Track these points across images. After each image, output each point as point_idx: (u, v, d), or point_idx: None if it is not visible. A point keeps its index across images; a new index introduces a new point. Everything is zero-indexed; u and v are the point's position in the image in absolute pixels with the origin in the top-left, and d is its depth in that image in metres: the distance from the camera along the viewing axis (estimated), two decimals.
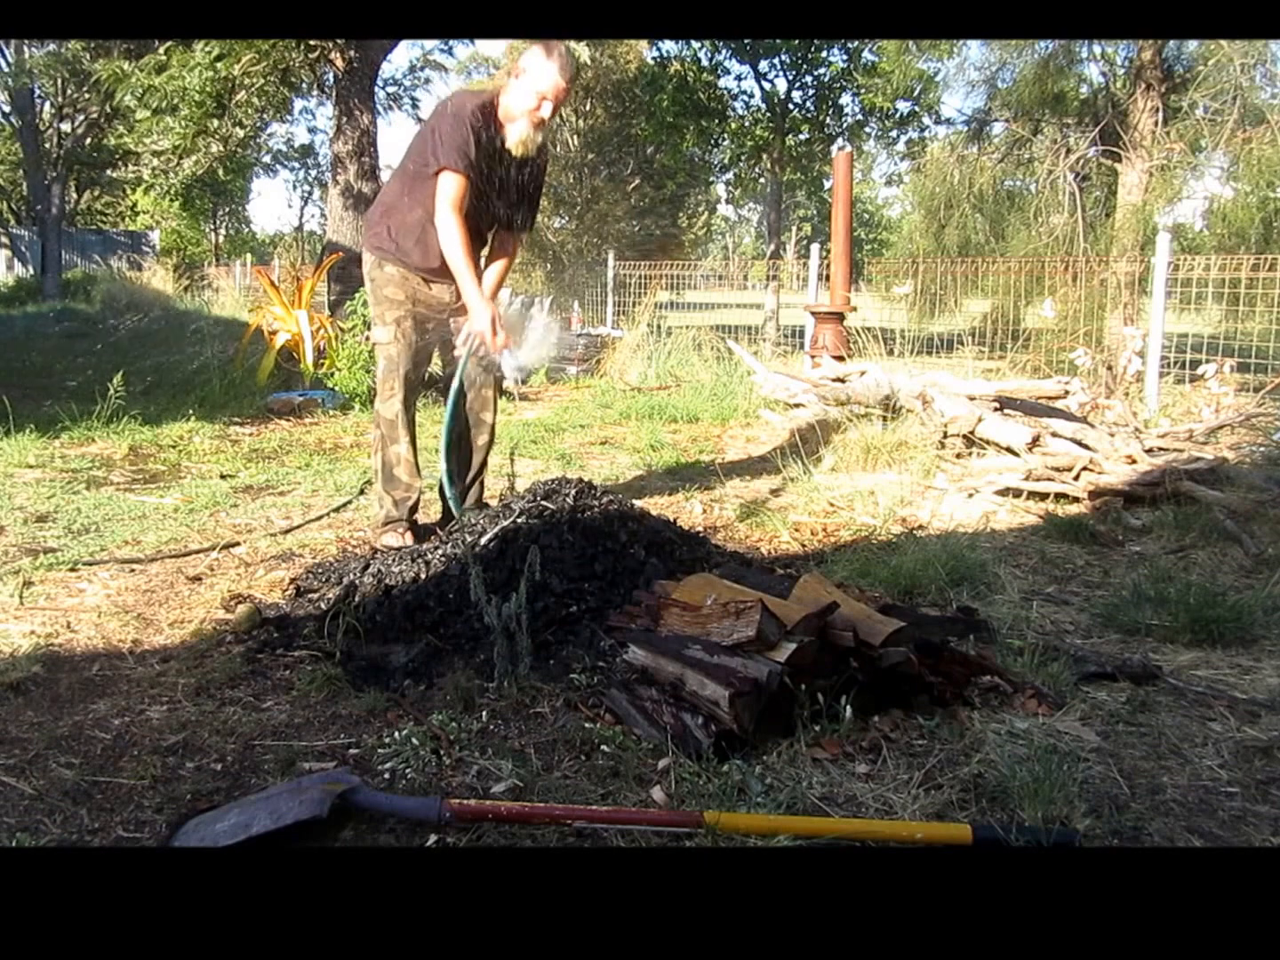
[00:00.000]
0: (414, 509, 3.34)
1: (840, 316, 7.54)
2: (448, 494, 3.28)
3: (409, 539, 3.21)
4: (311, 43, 9.60)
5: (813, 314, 8.09)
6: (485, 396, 3.42)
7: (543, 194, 3.35)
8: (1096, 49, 10.52)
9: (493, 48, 22.93)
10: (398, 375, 3.22)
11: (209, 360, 7.71)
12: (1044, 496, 4.08)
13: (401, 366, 3.22)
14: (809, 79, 17.04)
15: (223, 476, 4.51)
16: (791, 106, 17.08)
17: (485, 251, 3.36)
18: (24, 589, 2.85)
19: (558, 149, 18.29)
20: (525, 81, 2.97)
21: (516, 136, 3.02)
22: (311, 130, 32.90)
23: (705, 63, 16.88)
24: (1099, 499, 3.97)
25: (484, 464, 3.48)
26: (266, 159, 30.88)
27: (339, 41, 9.03)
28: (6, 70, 19.05)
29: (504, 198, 3.20)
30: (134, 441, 5.20)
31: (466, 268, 3.02)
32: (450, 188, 3.00)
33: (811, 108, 17.26)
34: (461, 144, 2.97)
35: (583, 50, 10.62)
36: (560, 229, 18.46)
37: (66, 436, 5.22)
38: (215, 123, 10.65)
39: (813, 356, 7.35)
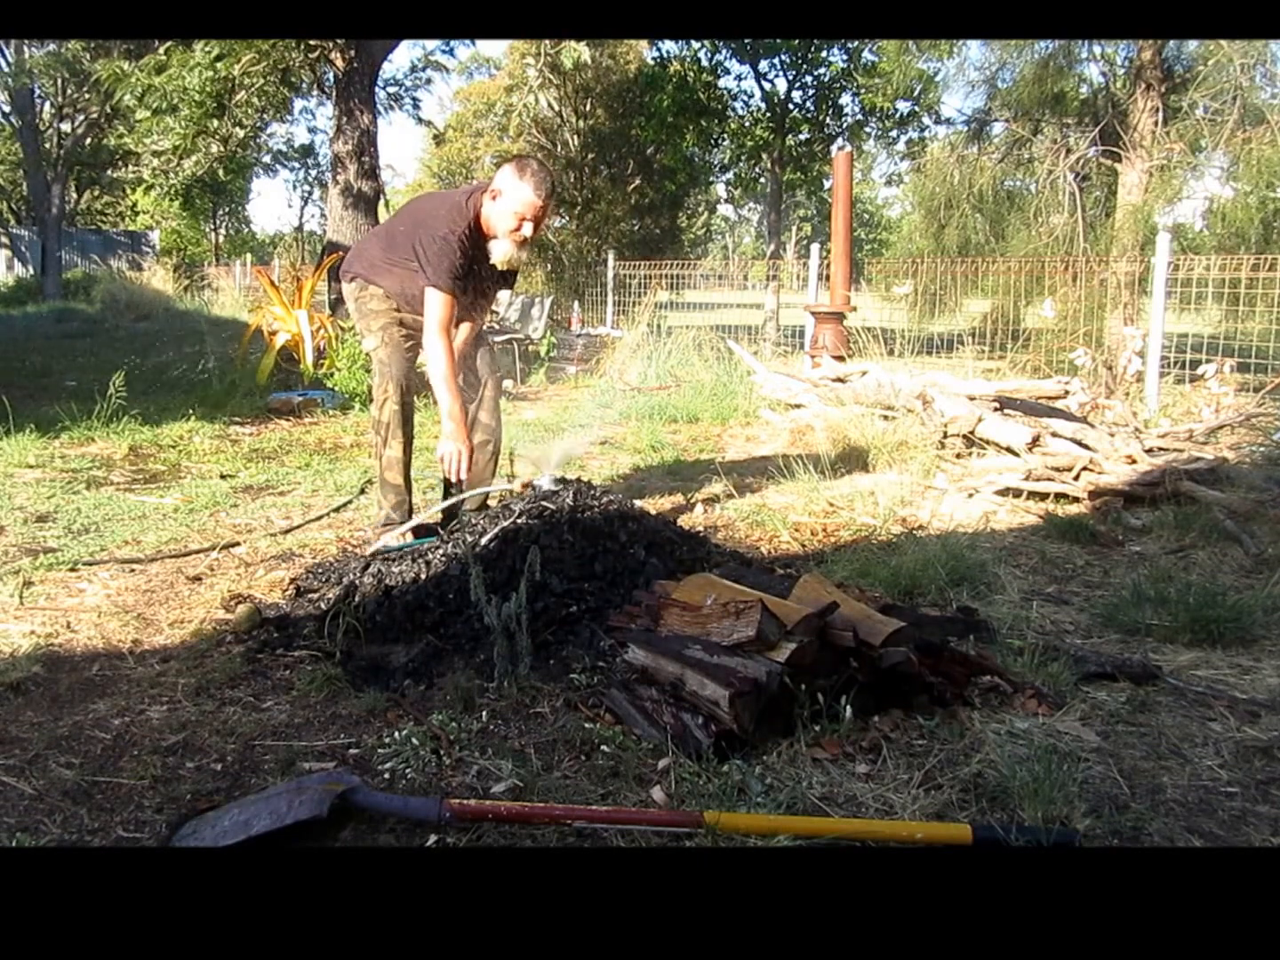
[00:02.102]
0: (411, 511, 3.35)
1: (840, 316, 7.55)
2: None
3: (409, 539, 3.21)
4: (311, 43, 9.61)
5: (813, 314, 8.09)
6: (487, 396, 3.42)
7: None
8: (1096, 49, 10.52)
9: (493, 48, 22.95)
10: (390, 378, 3.24)
11: (209, 360, 7.72)
12: (1044, 496, 4.08)
13: (393, 368, 3.24)
14: (809, 79, 17.03)
15: (223, 476, 4.51)
16: (791, 106, 17.08)
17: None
18: (24, 589, 2.85)
19: (558, 149, 18.29)
20: (503, 204, 3.03)
21: (501, 254, 3.10)
22: (311, 130, 32.92)
23: (705, 63, 16.87)
24: (1099, 499, 3.98)
25: (486, 467, 3.47)
26: (266, 159, 30.88)
27: (339, 41, 9.04)
28: (6, 70, 19.05)
29: (488, 289, 3.34)
30: (134, 441, 5.20)
31: (449, 392, 3.06)
32: (440, 310, 3.05)
33: (811, 108, 17.25)
34: (451, 266, 3.04)
35: (583, 50, 10.61)
36: (560, 229, 18.44)
37: (66, 436, 5.22)
38: (215, 123, 10.66)
39: (813, 356, 7.36)
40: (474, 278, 3.18)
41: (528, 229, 3.05)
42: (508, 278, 3.37)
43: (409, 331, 3.28)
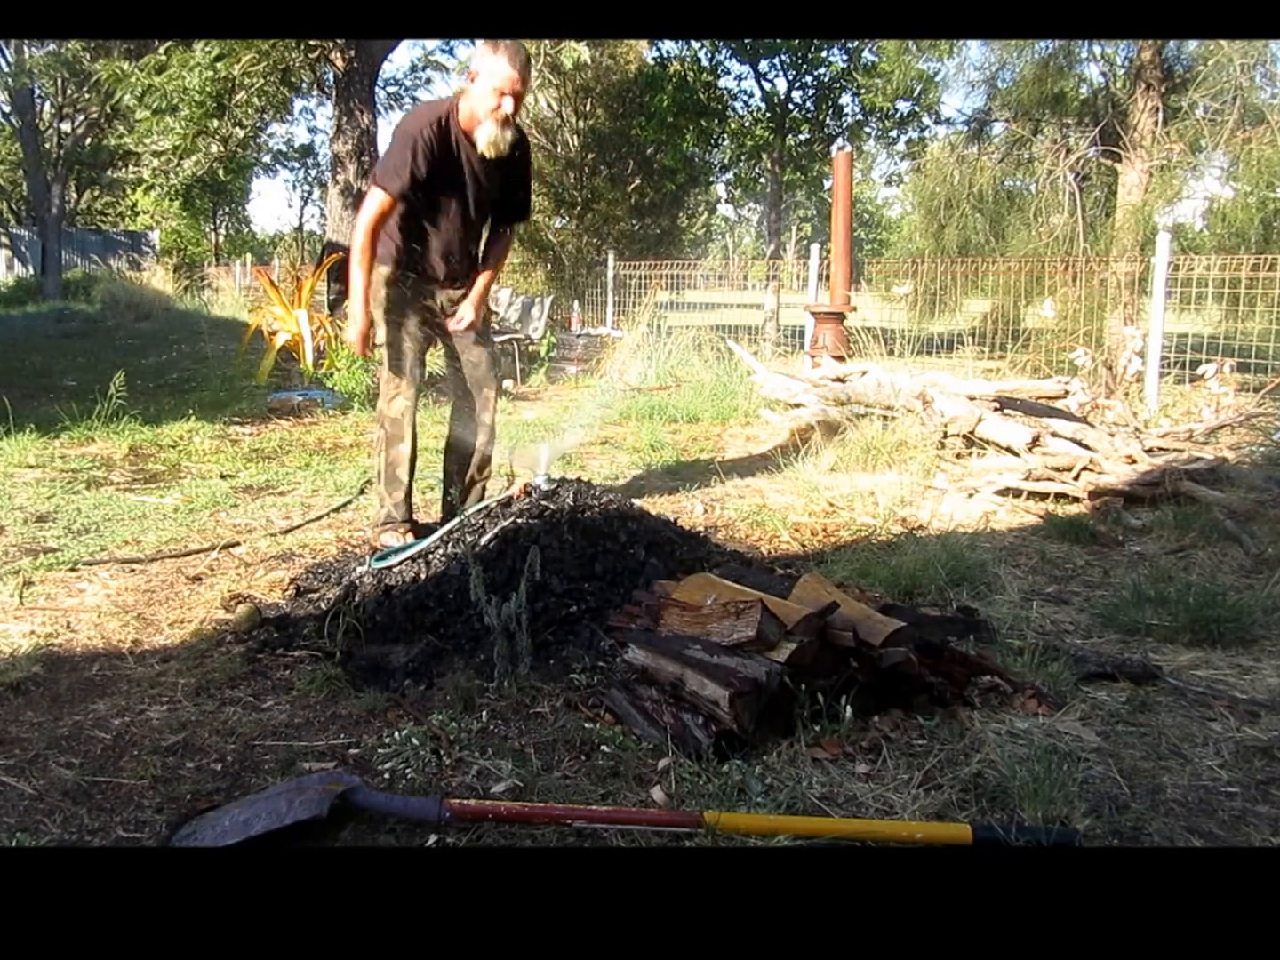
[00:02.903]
0: (411, 511, 3.36)
1: (840, 316, 7.54)
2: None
3: (409, 539, 3.21)
4: (311, 43, 9.61)
5: (813, 314, 8.09)
6: (486, 398, 3.41)
7: (532, 181, 3.34)
8: (1096, 49, 10.51)
9: None
10: (402, 372, 3.23)
11: (209, 360, 7.71)
12: (1044, 496, 4.08)
13: (405, 362, 3.23)
14: (809, 79, 17.01)
15: (223, 476, 4.51)
16: (791, 106, 17.06)
17: (481, 245, 3.36)
18: (24, 589, 2.85)
19: (558, 149, 18.28)
20: (481, 83, 2.95)
21: (486, 138, 3.02)
22: (311, 130, 32.96)
23: (705, 63, 16.86)
24: (1099, 499, 3.97)
25: (484, 466, 3.46)
26: (266, 159, 30.88)
27: (339, 41, 9.04)
28: (6, 70, 19.05)
29: (489, 195, 3.20)
30: (134, 441, 5.20)
31: (360, 278, 3.06)
32: (372, 206, 3.03)
33: (811, 108, 17.24)
34: (400, 165, 2.99)
35: (583, 50, 10.61)
36: (560, 229, 18.44)
37: (66, 436, 5.22)
38: (215, 123, 10.66)
39: (813, 356, 7.35)
40: (454, 186, 3.09)
41: (508, 105, 2.95)
42: (511, 200, 3.27)
43: (421, 322, 3.25)
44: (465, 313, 3.24)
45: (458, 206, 3.14)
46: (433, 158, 3.01)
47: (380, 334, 3.30)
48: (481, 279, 3.29)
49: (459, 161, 3.07)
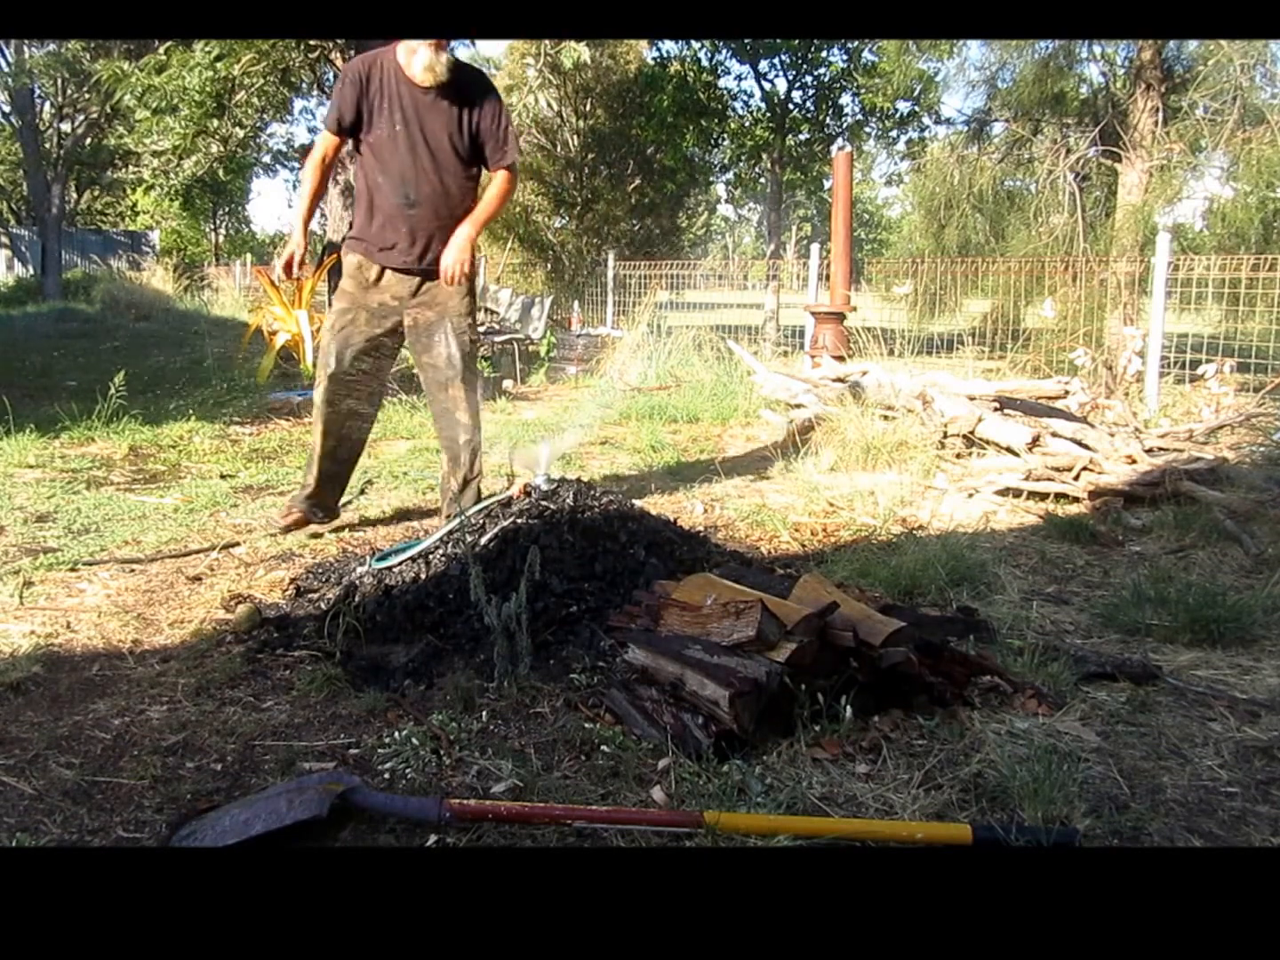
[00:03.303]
0: (323, 507, 3.47)
1: (840, 316, 7.54)
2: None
3: (299, 525, 3.35)
4: (311, 43, 9.61)
5: (813, 314, 8.09)
6: (453, 397, 3.33)
7: (511, 125, 3.24)
8: (1096, 49, 10.51)
9: (493, 48, 22.95)
10: (323, 364, 3.27)
11: (209, 360, 7.71)
12: (1044, 496, 4.08)
13: (321, 353, 3.27)
14: (809, 79, 17.01)
15: (223, 476, 4.51)
16: (791, 106, 17.06)
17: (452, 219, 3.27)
18: (24, 589, 2.85)
19: (558, 149, 18.28)
20: None
21: (421, 65, 3.05)
22: (311, 130, 32.80)
23: (705, 63, 16.86)
24: (1099, 499, 3.98)
25: (474, 461, 3.40)
26: (266, 159, 30.85)
27: (339, 41, 9.04)
28: (6, 70, 19.05)
29: (441, 139, 3.15)
30: (134, 441, 5.20)
31: (302, 209, 3.19)
32: (316, 146, 3.18)
33: (811, 108, 17.24)
34: (337, 103, 3.10)
35: (583, 50, 10.61)
36: (560, 229, 18.45)
37: (66, 436, 5.22)
38: (215, 123, 10.66)
39: (813, 356, 7.35)
40: (394, 124, 3.09)
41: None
42: (481, 142, 3.18)
43: (367, 321, 3.25)
44: (444, 261, 3.18)
45: (405, 150, 3.11)
46: (365, 89, 3.06)
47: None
48: (463, 226, 3.20)
49: (396, 97, 3.08)
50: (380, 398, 3.51)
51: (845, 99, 17.36)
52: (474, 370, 3.40)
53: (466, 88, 3.14)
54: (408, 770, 1.86)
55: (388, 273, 3.27)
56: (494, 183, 3.29)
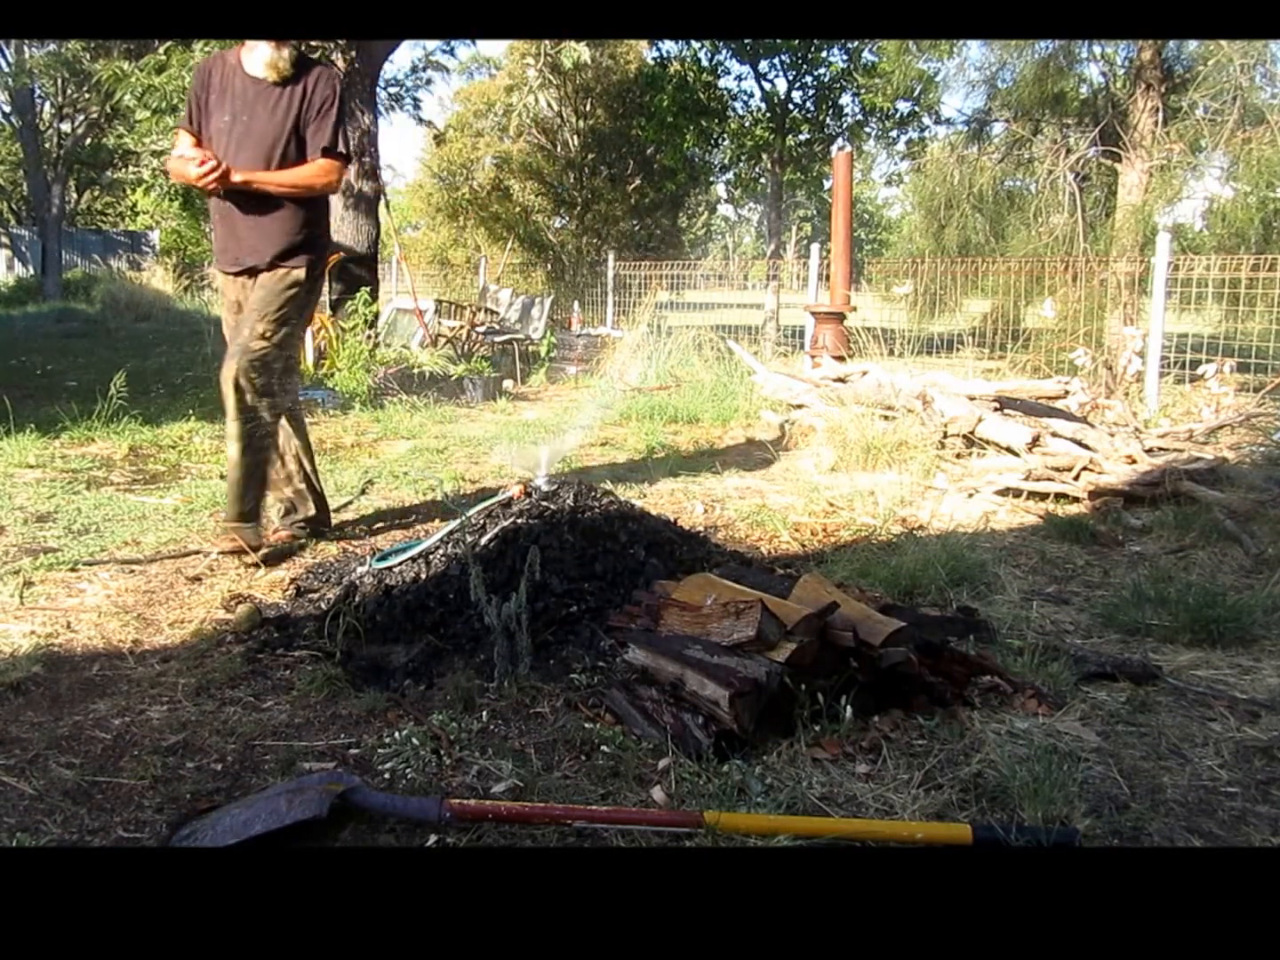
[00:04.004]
0: (249, 515, 3.23)
1: (840, 316, 7.54)
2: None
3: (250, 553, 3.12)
4: (312, 43, 9.60)
5: (813, 314, 8.09)
6: (236, 385, 3.08)
7: (333, 114, 3.11)
8: (1096, 49, 10.51)
9: (493, 48, 22.94)
10: (223, 370, 3.12)
11: (209, 360, 7.71)
12: (1044, 496, 4.08)
13: (224, 359, 3.14)
14: (809, 79, 17.00)
15: (222, 476, 4.50)
16: (791, 106, 17.06)
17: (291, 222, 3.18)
18: (24, 589, 2.85)
19: (558, 149, 18.28)
20: None
21: (262, 61, 3.07)
22: None
23: (705, 63, 16.86)
24: (1099, 499, 3.98)
25: (256, 469, 3.19)
26: None
27: (340, 42, 9.03)
28: (6, 70, 19.04)
29: (277, 131, 3.08)
30: (134, 441, 5.20)
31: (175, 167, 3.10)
32: (177, 144, 3.15)
33: (811, 108, 17.23)
34: (187, 102, 3.14)
35: (583, 50, 10.61)
36: (560, 229, 18.45)
37: (66, 436, 5.22)
38: None
39: (813, 356, 7.35)
40: (232, 115, 3.06)
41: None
42: (311, 116, 3.08)
43: (235, 323, 3.17)
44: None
45: (235, 142, 3.05)
46: (208, 83, 3.08)
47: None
48: (270, 173, 3.07)
49: (232, 90, 3.08)
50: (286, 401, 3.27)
51: (845, 99, 17.35)
52: (269, 389, 3.11)
53: (306, 82, 3.09)
54: (408, 770, 1.86)
55: (225, 277, 3.23)
56: (321, 164, 3.13)
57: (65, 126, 21.63)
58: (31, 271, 23.63)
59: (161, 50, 9.56)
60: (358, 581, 2.73)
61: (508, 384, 8.36)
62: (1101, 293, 8.22)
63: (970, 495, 4.09)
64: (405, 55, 57.12)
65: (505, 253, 16.08)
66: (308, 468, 3.43)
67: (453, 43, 15.78)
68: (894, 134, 18.16)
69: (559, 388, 8.79)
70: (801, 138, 17.61)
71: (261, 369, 3.06)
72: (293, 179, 3.08)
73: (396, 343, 9.20)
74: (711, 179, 22.07)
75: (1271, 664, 2.43)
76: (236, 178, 3.00)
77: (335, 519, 3.81)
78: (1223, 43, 8.50)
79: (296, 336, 3.29)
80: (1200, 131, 8.95)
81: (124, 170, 21.69)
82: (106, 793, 1.79)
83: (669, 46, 17.16)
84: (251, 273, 3.16)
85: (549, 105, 16.97)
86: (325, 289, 9.95)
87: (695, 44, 16.56)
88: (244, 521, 3.16)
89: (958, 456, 4.59)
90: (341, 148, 3.15)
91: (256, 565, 3.08)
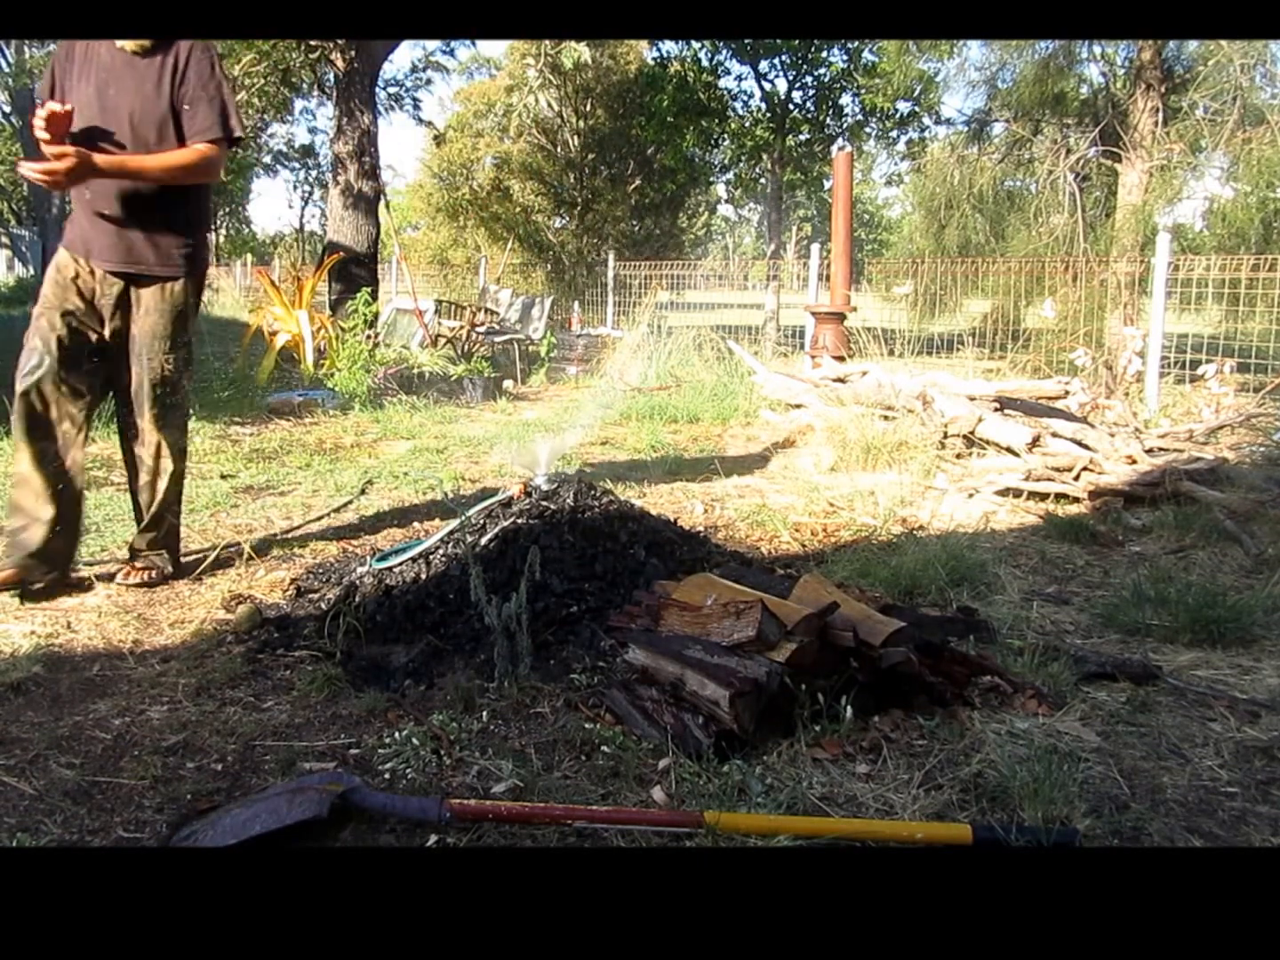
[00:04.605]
0: (37, 549, 2.76)
1: (841, 317, 7.55)
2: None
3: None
4: (312, 43, 9.61)
5: (813, 314, 8.09)
6: (141, 429, 2.85)
7: (215, 92, 2.79)
8: (1096, 49, 10.51)
9: (493, 48, 22.95)
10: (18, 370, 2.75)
11: (209, 360, 7.71)
12: (1044, 496, 4.08)
13: (19, 359, 2.76)
14: (809, 79, 17.02)
15: (223, 476, 4.51)
16: (791, 106, 17.07)
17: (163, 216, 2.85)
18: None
19: (558, 149, 18.28)
20: None
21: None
22: (312, 130, 32.88)
23: (705, 63, 16.87)
24: (1099, 499, 3.98)
25: (161, 494, 2.94)
26: (267, 159, 30.90)
27: (339, 42, 9.04)
28: (6, 70, 19.05)
29: (145, 99, 2.75)
30: None
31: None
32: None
33: (811, 108, 17.24)
34: (46, 72, 2.86)
35: (583, 50, 10.62)
36: (560, 229, 18.46)
37: None
38: None
39: (813, 357, 7.36)
40: (90, 91, 2.73)
41: None
42: (190, 97, 2.75)
43: (65, 323, 2.75)
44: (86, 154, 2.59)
45: (95, 116, 2.71)
46: (72, 52, 2.75)
47: None
48: (135, 157, 2.70)
49: (95, 60, 2.74)
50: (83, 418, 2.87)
51: (845, 99, 17.37)
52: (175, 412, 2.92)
53: (178, 53, 2.79)
54: (408, 770, 1.86)
55: (81, 271, 2.80)
56: (201, 150, 2.77)
57: None
58: (31, 271, 23.64)
59: None
60: (358, 582, 2.73)
61: (508, 384, 8.36)
62: (1101, 293, 8.22)
63: (970, 495, 4.09)
64: (405, 55, 57.07)
65: (505, 253, 16.09)
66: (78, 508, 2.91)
67: (453, 43, 15.79)
68: (894, 134, 18.17)
69: (559, 388, 8.79)
70: (801, 138, 17.62)
71: (173, 405, 2.87)
72: (164, 165, 2.71)
73: (396, 343, 9.20)
74: (711, 179, 22.08)
75: (1271, 664, 2.43)
76: (99, 161, 2.59)
77: (335, 519, 3.82)
78: (1223, 43, 8.50)
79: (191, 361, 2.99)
80: (1200, 131, 8.95)
81: None
82: (106, 793, 1.79)
83: (669, 46, 17.18)
84: (126, 280, 2.80)
85: (549, 105, 16.99)
86: (325, 289, 9.99)
87: (695, 44, 16.57)
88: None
89: (958, 456, 4.59)
90: (226, 131, 2.79)
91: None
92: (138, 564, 2.98)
